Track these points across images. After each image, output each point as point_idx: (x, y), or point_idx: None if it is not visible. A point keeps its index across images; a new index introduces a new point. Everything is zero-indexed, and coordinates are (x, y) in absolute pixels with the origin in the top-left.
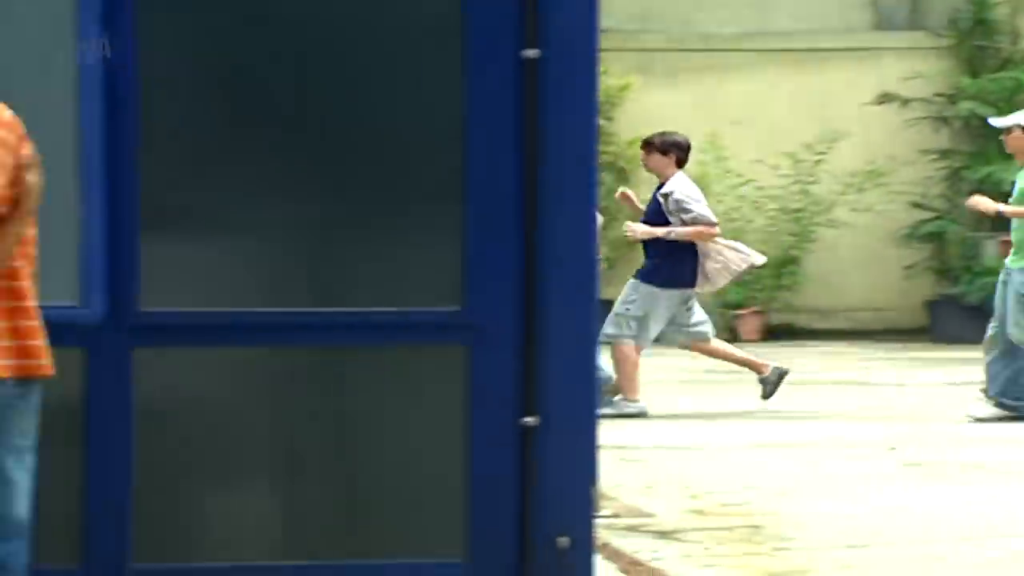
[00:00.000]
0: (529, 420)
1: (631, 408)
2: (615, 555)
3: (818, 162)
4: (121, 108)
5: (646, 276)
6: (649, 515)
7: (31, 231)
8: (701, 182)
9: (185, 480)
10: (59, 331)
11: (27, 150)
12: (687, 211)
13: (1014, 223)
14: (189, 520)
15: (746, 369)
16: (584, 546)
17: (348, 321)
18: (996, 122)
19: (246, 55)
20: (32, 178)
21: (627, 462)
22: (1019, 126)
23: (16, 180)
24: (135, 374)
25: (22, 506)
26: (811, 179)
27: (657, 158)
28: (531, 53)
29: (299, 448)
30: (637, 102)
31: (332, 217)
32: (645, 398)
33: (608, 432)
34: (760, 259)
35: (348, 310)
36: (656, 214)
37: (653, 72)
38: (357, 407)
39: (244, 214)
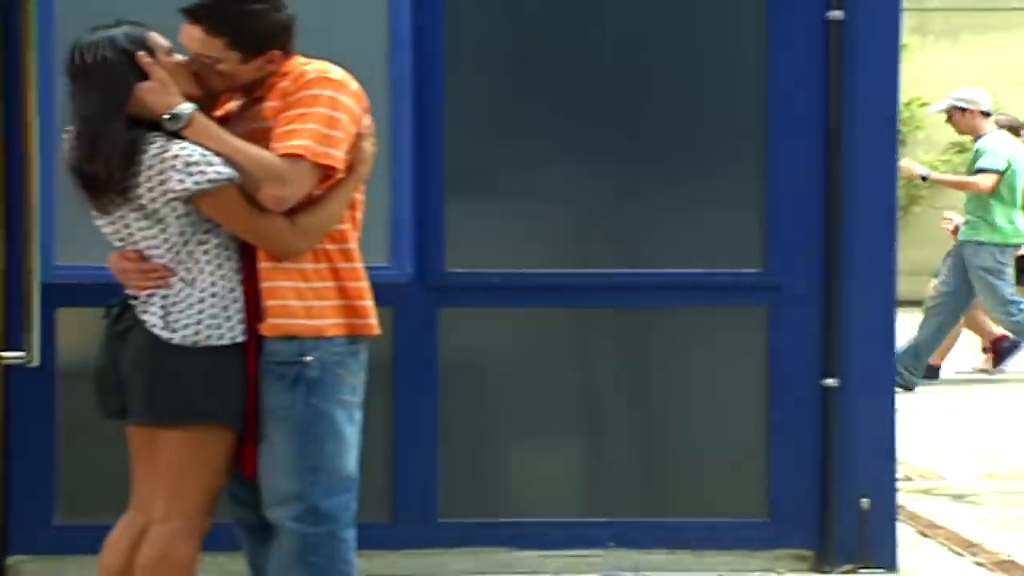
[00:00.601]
0: (830, 381)
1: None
2: (912, 517)
3: None
4: (429, 75)
5: None
6: (941, 478)
7: (359, 196)
8: None
9: (489, 437)
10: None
11: (367, 120)
12: None
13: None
14: (493, 476)
15: None
16: (886, 508)
17: (650, 282)
18: (933, 109)
19: (551, 21)
20: (367, 147)
21: (913, 425)
22: (955, 107)
23: (353, 147)
24: (440, 333)
25: (351, 460)
26: None
27: None
28: (836, 15)
29: (602, 407)
30: (915, 63)
31: (634, 180)
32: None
33: None
34: None
35: (650, 271)
36: None
37: (931, 32)
38: (659, 367)
39: (548, 178)
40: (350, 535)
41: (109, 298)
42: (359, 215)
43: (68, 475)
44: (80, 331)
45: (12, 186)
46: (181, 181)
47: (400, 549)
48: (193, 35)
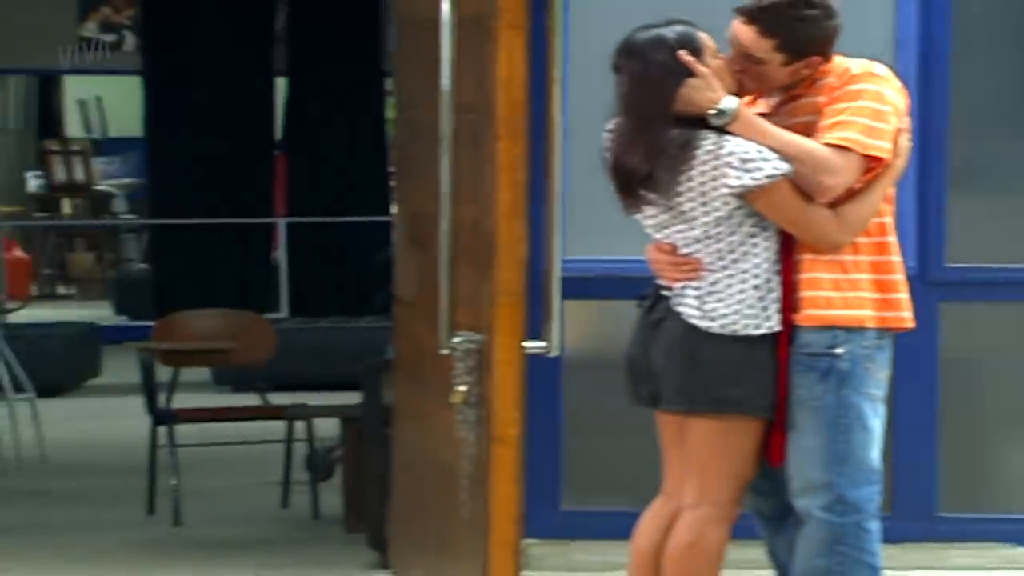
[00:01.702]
0: None
1: None
2: None
3: None
4: (934, 73)
5: None
6: None
7: (892, 191)
8: None
9: (989, 432)
10: None
11: (906, 116)
12: None
13: None
14: (993, 471)
15: None
16: None
17: None
18: None
19: None
20: (904, 142)
21: None
22: None
23: (894, 141)
24: (940, 327)
25: (876, 453)
26: None
27: None
28: None
29: None
30: None
31: None
32: None
33: None
34: None
35: None
36: None
37: None
38: None
39: None
40: (875, 526)
41: (614, 292)
42: (892, 208)
43: (573, 462)
44: (585, 323)
45: (535, 181)
46: (739, 178)
47: (899, 542)
48: (745, 34)
